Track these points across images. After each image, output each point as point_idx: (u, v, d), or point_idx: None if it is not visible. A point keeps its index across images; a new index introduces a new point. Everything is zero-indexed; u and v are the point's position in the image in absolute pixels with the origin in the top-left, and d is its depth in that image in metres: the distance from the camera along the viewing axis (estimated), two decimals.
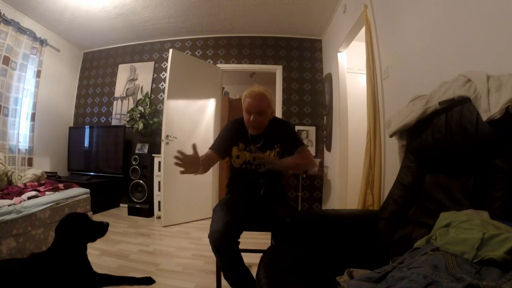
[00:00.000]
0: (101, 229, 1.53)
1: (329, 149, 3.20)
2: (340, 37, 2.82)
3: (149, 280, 1.60)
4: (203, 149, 3.46)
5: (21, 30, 2.96)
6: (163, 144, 2.85)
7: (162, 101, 3.63)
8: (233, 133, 1.44)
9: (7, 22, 2.80)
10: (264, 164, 1.27)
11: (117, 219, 3.08)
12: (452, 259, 0.61)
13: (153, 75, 3.80)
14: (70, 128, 3.89)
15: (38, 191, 2.10)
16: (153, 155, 3.23)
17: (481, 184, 0.86)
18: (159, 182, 3.01)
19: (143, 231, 2.66)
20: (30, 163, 3.14)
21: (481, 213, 0.78)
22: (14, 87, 2.94)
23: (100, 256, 1.92)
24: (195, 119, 3.20)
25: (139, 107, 3.47)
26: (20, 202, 1.82)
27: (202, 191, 3.24)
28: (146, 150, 3.35)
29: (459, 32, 1.19)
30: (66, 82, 3.92)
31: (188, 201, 3.05)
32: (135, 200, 3.23)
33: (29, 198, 1.92)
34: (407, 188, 1.14)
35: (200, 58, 3.62)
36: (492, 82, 0.85)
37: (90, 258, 1.52)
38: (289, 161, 1.33)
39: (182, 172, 1.04)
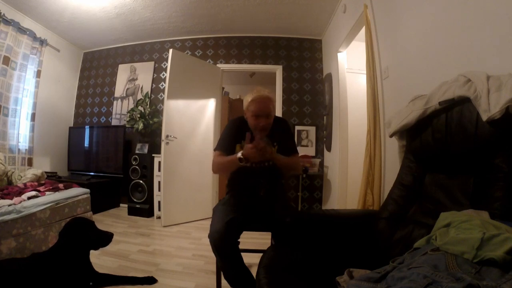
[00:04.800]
0: (105, 239, 1.53)
1: (329, 149, 3.20)
2: (340, 37, 2.82)
3: (151, 280, 1.60)
4: (203, 149, 3.46)
5: (21, 30, 2.96)
6: (163, 144, 2.84)
7: (162, 101, 3.63)
8: (235, 131, 1.45)
9: (7, 22, 2.80)
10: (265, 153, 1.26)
11: (117, 219, 3.08)
12: (452, 259, 0.61)
13: (153, 75, 3.80)
14: (70, 128, 3.89)
15: (38, 191, 2.10)
16: (153, 155, 3.23)
17: (481, 184, 0.86)
18: (159, 182, 3.01)
19: (143, 231, 2.66)
20: (30, 163, 3.14)
21: (481, 213, 0.78)
22: (14, 87, 2.94)
23: (100, 256, 1.92)
24: (195, 119, 3.20)
25: (139, 107, 3.47)
26: (20, 202, 1.82)
27: (202, 191, 3.24)
28: (146, 150, 3.35)
29: (459, 32, 1.19)
30: (66, 82, 3.92)
31: (188, 201, 3.04)
32: (135, 200, 3.23)
33: (29, 198, 1.92)
34: (407, 188, 1.14)
35: (200, 58, 3.62)
36: (492, 82, 0.85)
37: (90, 258, 1.52)
38: (285, 160, 1.39)
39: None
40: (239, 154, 1.25)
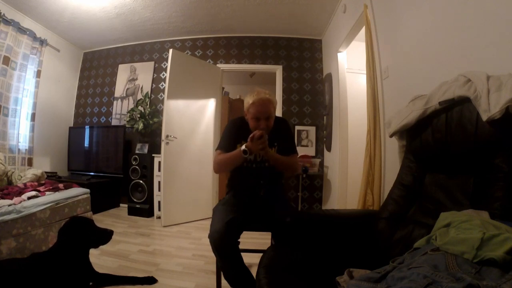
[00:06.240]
0: (105, 236, 1.53)
1: (329, 149, 3.20)
2: (340, 37, 2.82)
3: (151, 280, 1.60)
4: (203, 149, 3.46)
5: (21, 30, 2.96)
6: (163, 144, 2.85)
7: (162, 101, 3.63)
8: (235, 131, 1.45)
9: (7, 22, 2.80)
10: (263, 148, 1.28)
11: (117, 219, 3.08)
12: (452, 259, 0.61)
13: (153, 75, 3.80)
14: (70, 128, 3.89)
15: (38, 191, 2.10)
16: (153, 155, 3.23)
17: (481, 184, 0.86)
18: (159, 182, 3.01)
19: (143, 231, 2.66)
20: (30, 163, 3.14)
21: (481, 213, 0.78)
22: (14, 87, 2.94)
23: (100, 256, 1.92)
24: (195, 119, 3.20)
25: (139, 107, 3.47)
26: (20, 202, 1.82)
27: (202, 191, 3.24)
28: (146, 150, 3.35)
29: (459, 32, 1.19)
30: (66, 82, 3.92)
31: (188, 201, 3.04)
32: (135, 200, 3.23)
33: (29, 198, 1.92)
34: (407, 188, 1.14)
35: (200, 58, 3.62)
36: (492, 82, 0.85)
37: (90, 258, 1.52)
38: (278, 157, 1.40)
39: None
40: (243, 147, 1.26)
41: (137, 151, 3.38)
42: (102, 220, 2.93)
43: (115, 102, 3.90)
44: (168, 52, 3.05)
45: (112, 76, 3.98)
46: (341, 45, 2.82)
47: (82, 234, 1.45)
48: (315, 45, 3.66)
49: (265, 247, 1.15)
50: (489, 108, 0.80)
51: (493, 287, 0.50)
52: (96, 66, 4.09)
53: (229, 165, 1.40)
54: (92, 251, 1.53)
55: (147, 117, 3.41)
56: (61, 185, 2.35)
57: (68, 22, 3.29)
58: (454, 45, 1.22)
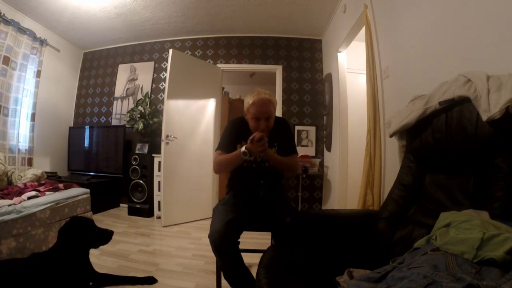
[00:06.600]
0: (105, 237, 1.53)
1: (329, 149, 3.20)
2: (340, 37, 2.82)
3: (151, 280, 1.61)
4: (203, 149, 3.45)
5: (21, 30, 2.96)
6: (163, 144, 2.85)
7: (162, 101, 3.63)
8: (235, 131, 1.45)
9: (7, 22, 2.80)
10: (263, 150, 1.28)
11: (117, 219, 3.08)
12: (452, 259, 0.61)
13: (153, 75, 3.80)
14: (70, 128, 3.89)
15: (38, 191, 2.10)
16: (153, 155, 3.23)
17: (481, 184, 0.86)
18: (159, 182, 3.01)
19: (143, 231, 2.66)
20: (30, 163, 3.14)
21: (481, 213, 0.78)
22: (14, 87, 2.94)
23: (100, 256, 1.92)
24: (195, 119, 3.20)
25: (139, 107, 3.47)
26: (20, 202, 1.82)
27: (202, 191, 3.24)
28: (146, 150, 3.35)
29: (459, 32, 1.19)
30: (66, 82, 3.92)
31: (188, 201, 3.04)
32: (135, 200, 3.23)
33: (29, 198, 1.92)
34: (407, 188, 1.14)
35: (200, 58, 3.62)
36: (492, 82, 0.85)
37: (90, 258, 1.52)
38: (278, 158, 1.40)
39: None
40: (243, 148, 1.26)
41: (137, 151, 3.38)
42: (102, 220, 2.93)
43: (115, 102, 3.90)
44: (168, 52, 3.05)
45: (112, 76, 3.98)
46: (341, 45, 2.82)
47: (82, 234, 1.45)
48: (315, 45, 3.66)
49: (265, 247, 1.15)
50: (489, 108, 0.80)
51: (493, 287, 0.50)
52: (96, 66, 4.09)
53: (229, 166, 1.40)
54: (92, 251, 1.53)
55: (147, 117, 3.41)
56: (61, 185, 2.35)
57: (68, 22, 3.29)
58: (454, 45, 1.22)
